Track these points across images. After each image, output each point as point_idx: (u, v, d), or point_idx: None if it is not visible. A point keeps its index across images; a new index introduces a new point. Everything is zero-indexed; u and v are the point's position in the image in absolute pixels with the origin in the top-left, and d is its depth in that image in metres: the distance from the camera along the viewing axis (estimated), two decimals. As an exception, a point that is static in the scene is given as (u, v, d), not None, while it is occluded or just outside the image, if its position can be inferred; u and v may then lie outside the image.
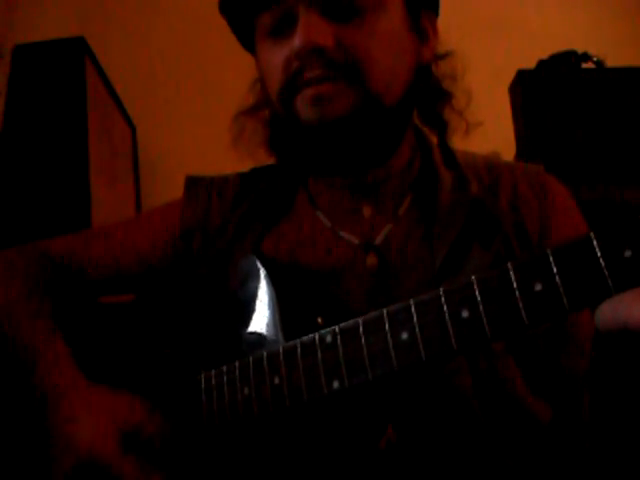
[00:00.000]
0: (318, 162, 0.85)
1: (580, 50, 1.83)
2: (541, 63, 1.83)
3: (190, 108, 2.09)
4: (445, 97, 0.88)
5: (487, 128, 0.91)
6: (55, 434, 0.70)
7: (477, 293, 0.54)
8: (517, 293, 0.51)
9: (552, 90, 1.78)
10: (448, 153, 0.88)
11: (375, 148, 0.83)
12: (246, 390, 0.69)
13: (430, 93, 0.88)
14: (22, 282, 0.84)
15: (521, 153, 1.78)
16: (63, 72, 1.65)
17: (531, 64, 1.84)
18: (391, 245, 0.80)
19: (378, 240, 0.81)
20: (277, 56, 0.79)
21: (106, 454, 0.66)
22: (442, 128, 0.88)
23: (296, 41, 0.75)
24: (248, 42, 0.88)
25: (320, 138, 0.78)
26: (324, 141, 0.79)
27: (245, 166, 0.95)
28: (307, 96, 0.77)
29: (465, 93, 0.88)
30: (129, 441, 0.67)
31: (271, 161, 0.94)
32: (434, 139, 0.90)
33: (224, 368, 0.72)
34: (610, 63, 1.82)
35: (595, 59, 1.81)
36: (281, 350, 0.66)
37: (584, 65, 1.83)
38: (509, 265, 0.52)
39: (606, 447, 0.73)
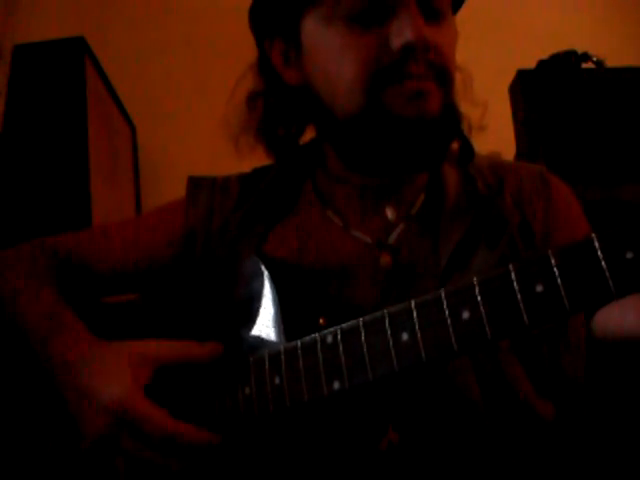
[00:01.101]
0: (367, 158, 0.82)
1: (580, 50, 1.83)
2: (541, 63, 1.83)
3: (190, 108, 2.09)
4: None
5: (487, 128, 0.90)
6: (79, 394, 0.71)
7: (478, 294, 0.54)
8: (518, 294, 0.51)
9: (552, 90, 1.78)
10: (469, 152, 0.86)
11: (439, 152, 0.82)
12: (247, 390, 0.69)
13: None
14: (26, 274, 0.85)
15: (521, 153, 1.78)
16: (63, 72, 1.65)
17: (531, 64, 1.84)
18: (404, 244, 0.80)
19: (391, 239, 0.81)
20: (360, 43, 0.76)
21: (137, 407, 0.67)
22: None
23: (408, 34, 0.73)
24: (280, 23, 0.84)
25: (414, 132, 0.76)
26: (417, 135, 0.76)
27: (246, 166, 0.95)
28: (408, 90, 0.75)
29: (479, 105, 0.87)
30: (160, 377, 0.69)
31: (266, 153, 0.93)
32: None
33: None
34: (610, 63, 1.82)
35: (595, 59, 1.81)
36: (282, 350, 0.66)
37: (584, 65, 1.83)
38: (510, 266, 0.52)
39: (605, 448, 0.73)
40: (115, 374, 0.70)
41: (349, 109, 0.78)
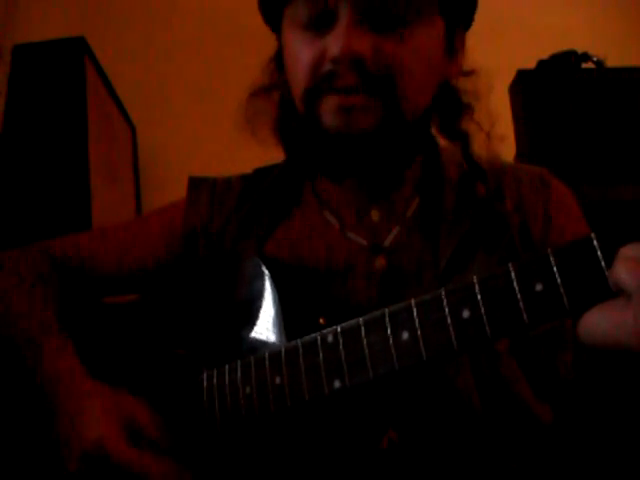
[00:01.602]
0: (330, 165, 0.83)
1: (580, 50, 1.83)
2: (541, 63, 1.84)
3: (190, 108, 2.09)
4: (465, 111, 0.86)
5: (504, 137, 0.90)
6: (63, 425, 0.70)
7: (478, 293, 0.54)
8: (518, 293, 0.52)
9: (552, 90, 1.78)
10: (473, 164, 0.85)
11: (392, 160, 0.82)
12: (248, 390, 0.69)
13: (450, 107, 0.86)
14: (26, 283, 0.85)
15: (521, 153, 1.78)
16: (63, 72, 1.65)
17: (531, 64, 1.84)
18: (399, 247, 0.80)
19: (386, 242, 0.81)
20: (307, 51, 0.76)
21: (115, 445, 0.66)
22: (464, 140, 0.86)
23: (334, 47, 0.72)
24: (272, 18, 0.85)
25: (339, 146, 0.76)
26: (344, 149, 0.77)
27: (246, 165, 0.95)
28: (334, 104, 0.75)
29: (488, 114, 0.86)
30: (134, 437, 0.68)
31: (277, 145, 0.92)
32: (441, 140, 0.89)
33: (226, 368, 0.72)
34: (610, 63, 1.82)
35: (595, 59, 1.82)
36: (283, 350, 0.66)
37: (584, 65, 1.83)
38: (510, 265, 0.53)
39: (603, 451, 0.73)
40: (98, 414, 0.68)
41: (300, 114, 0.80)
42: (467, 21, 0.85)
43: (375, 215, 0.83)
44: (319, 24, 0.75)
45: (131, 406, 0.70)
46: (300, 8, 0.77)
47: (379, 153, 0.78)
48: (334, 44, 0.73)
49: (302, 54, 0.77)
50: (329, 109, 0.75)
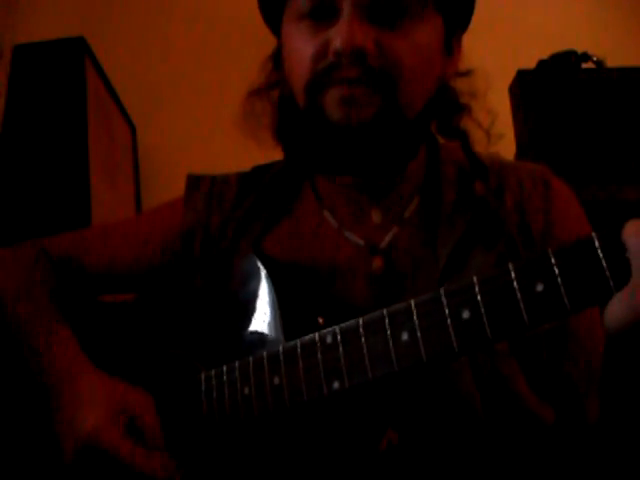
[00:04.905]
0: (331, 158, 0.83)
1: (580, 50, 1.83)
2: (541, 63, 1.83)
3: (190, 108, 2.09)
4: (463, 111, 0.87)
5: (495, 135, 0.90)
6: (61, 417, 0.71)
7: (478, 294, 0.54)
8: (518, 294, 0.51)
9: (552, 90, 1.78)
10: (474, 160, 0.85)
11: (391, 157, 0.82)
12: (246, 390, 0.69)
13: (448, 107, 0.86)
14: (23, 278, 0.85)
15: (521, 153, 1.78)
16: (63, 72, 1.65)
17: (531, 64, 1.84)
18: (397, 248, 0.80)
19: (384, 243, 0.81)
20: (310, 43, 0.77)
21: (110, 438, 0.66)
22: (463, 139, 0.86)
23: (338, 40, 0.73)
24: (272, 17, 0.86)
25: (342, 137, 0.77)
26: (345, 141, 0.77)
27: (246, 164, 0.95)
28: (337, 95, 0.75)
29: (488, 112, 0.86)
30: (131, 429, 0.68)
31: (277, 145, 0.92)
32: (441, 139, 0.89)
33: (224, 368, 0.72)
34: (610, 63, 1.82)
35: (595, 59, 1.82)
36: (281, 350, 0.66)
37: (584, 65, 1.83)
38: (510, 265, 0.52)
39: (615, 449, 0.73)
40: (95, 405, 0.69)
41: (302, 107, 0.80)
42: (464, 22, 0.86)
43: (376, 216, 0.83)
44: (321, 16, 0.76)
45: (129, 396, 0.71)
46: (297, 3, 0.78)
47: (377, 147, 0.78)
48: (337, 37, 0.74)
49: (304, 46, 0.78)
50: (332, 101, 0.76)
